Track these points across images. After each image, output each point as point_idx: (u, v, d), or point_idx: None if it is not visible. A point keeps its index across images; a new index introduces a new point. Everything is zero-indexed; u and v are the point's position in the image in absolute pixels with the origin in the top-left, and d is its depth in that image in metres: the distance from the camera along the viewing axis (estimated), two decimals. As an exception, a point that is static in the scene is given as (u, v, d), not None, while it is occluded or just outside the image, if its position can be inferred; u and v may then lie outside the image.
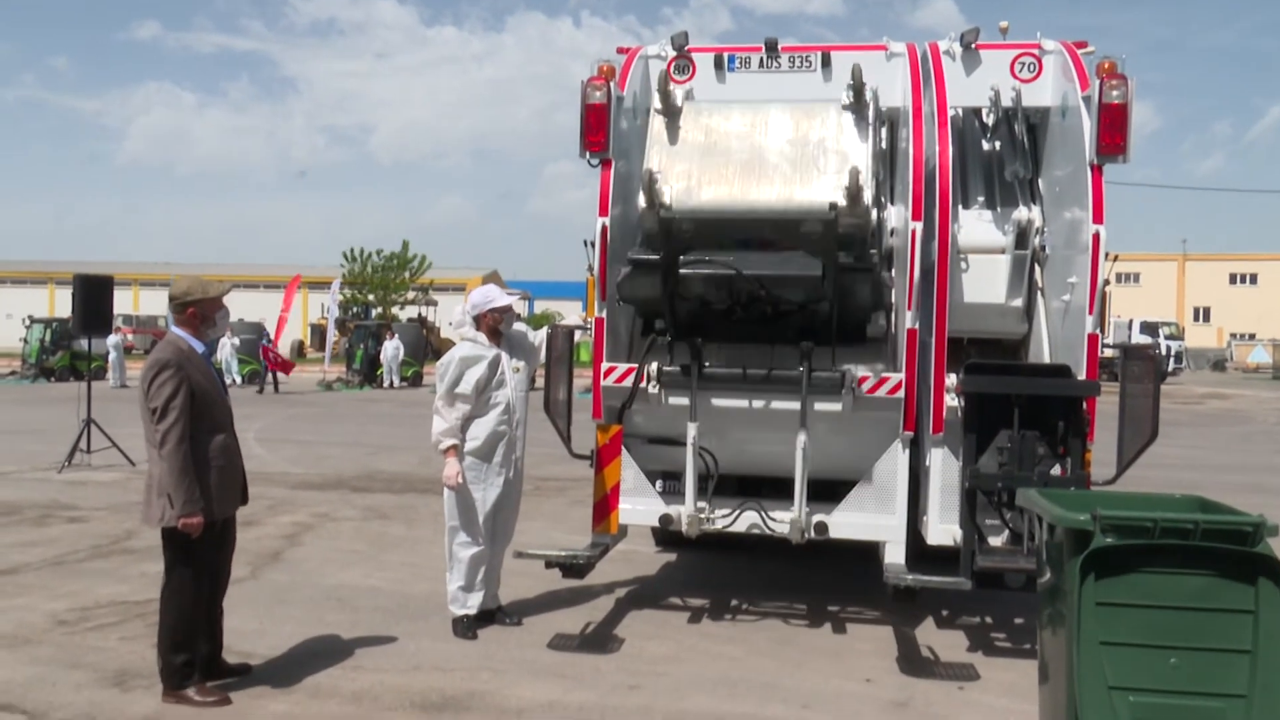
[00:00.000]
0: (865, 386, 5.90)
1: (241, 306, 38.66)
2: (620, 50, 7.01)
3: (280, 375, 27.55)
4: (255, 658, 5.41)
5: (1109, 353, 6.98)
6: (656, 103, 6.41)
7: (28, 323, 31.73)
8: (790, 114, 6.32)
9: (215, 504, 4.84)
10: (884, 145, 6.72)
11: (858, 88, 6.14)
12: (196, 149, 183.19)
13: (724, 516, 6.16)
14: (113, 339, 27.01)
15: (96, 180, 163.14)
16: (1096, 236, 5.75)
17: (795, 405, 5.88)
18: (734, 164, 6.17)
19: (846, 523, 6.05)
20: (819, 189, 5.92)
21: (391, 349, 30.30)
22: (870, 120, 6.20)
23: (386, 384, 29.97)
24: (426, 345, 35.59)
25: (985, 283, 6.64)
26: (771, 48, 6.85)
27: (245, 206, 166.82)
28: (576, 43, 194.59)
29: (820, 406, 5.92)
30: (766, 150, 6.19)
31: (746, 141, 6.23)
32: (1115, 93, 5.79)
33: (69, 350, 29.75)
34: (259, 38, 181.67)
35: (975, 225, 6.80)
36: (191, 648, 4.87)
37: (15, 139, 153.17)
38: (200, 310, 4.96)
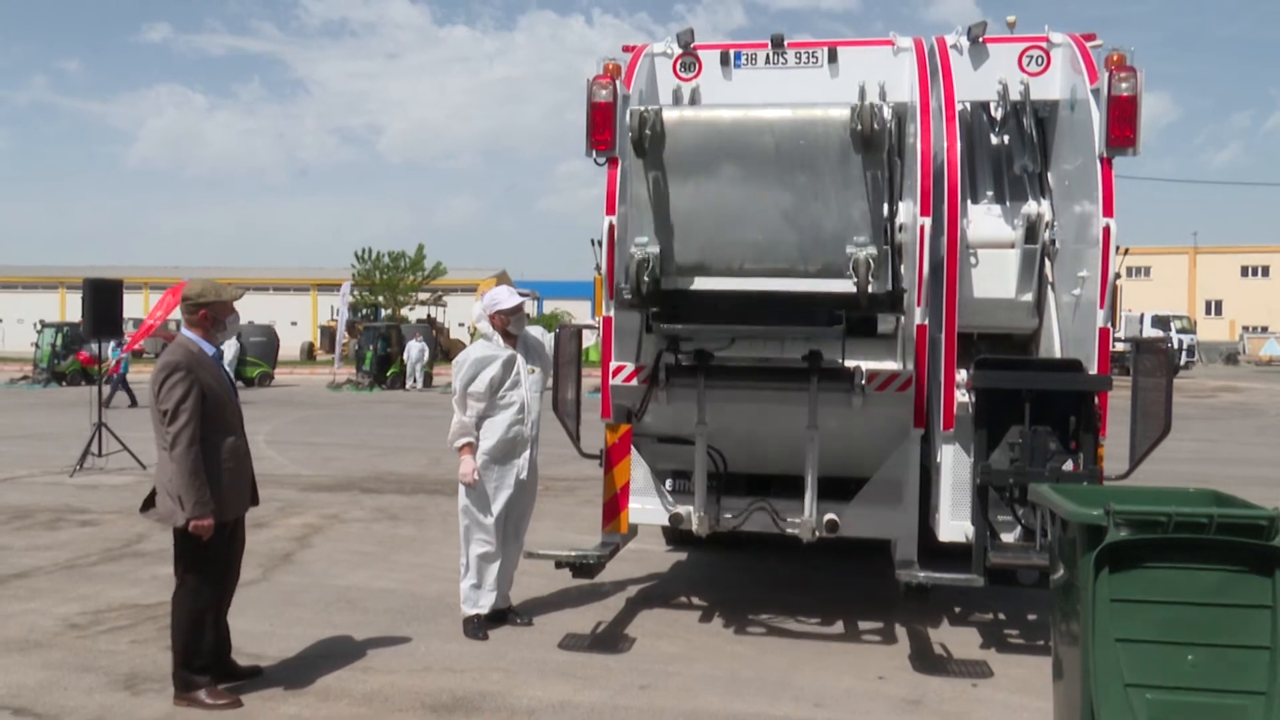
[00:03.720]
0: (875, 383, 5.87)
1: (252, 309, 38.81)
2: (626, 48, 7.00)
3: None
4: (266, 659, 5.41)
5: (1120, 347, 6.92)
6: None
7: (39, 327, 31.87)
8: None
9: (225, 506, 4.84)
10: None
11: (868, 136, 5.32)
12: (207, 151, 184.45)
13: (734, 515, 6.14)
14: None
15: (107, 183, 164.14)
16: (1107, 230, 5.71)
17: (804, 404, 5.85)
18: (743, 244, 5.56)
19: (857, 520, 6.03)
20: (838, 280, 5.42)
21: (416, 350, 30.26)
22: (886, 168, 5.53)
23: (409, 385, 29.91)
24: (436, 346, 35.63)
25: (995, 278, 6.60)
26: (778, 44, 6.82)
27: (255, 208, 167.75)
28: (588, 40, 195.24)
29: (830, 404, 5.89)
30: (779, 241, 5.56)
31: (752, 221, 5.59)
32: (1124, 85, 5.75)
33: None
34: (270, 39, 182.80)
35: (984, 220, 6.76)
36: (203, 650, 4.88)
37: (26, 142, 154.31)
38: (212, 313, 4.97)
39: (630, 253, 5.56)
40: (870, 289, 5.28)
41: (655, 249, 5.52)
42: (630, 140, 5.49)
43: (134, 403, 21.97)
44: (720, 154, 5.50)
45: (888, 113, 5.48)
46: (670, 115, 5.55)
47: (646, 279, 5.44)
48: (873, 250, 5.33)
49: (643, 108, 5.56)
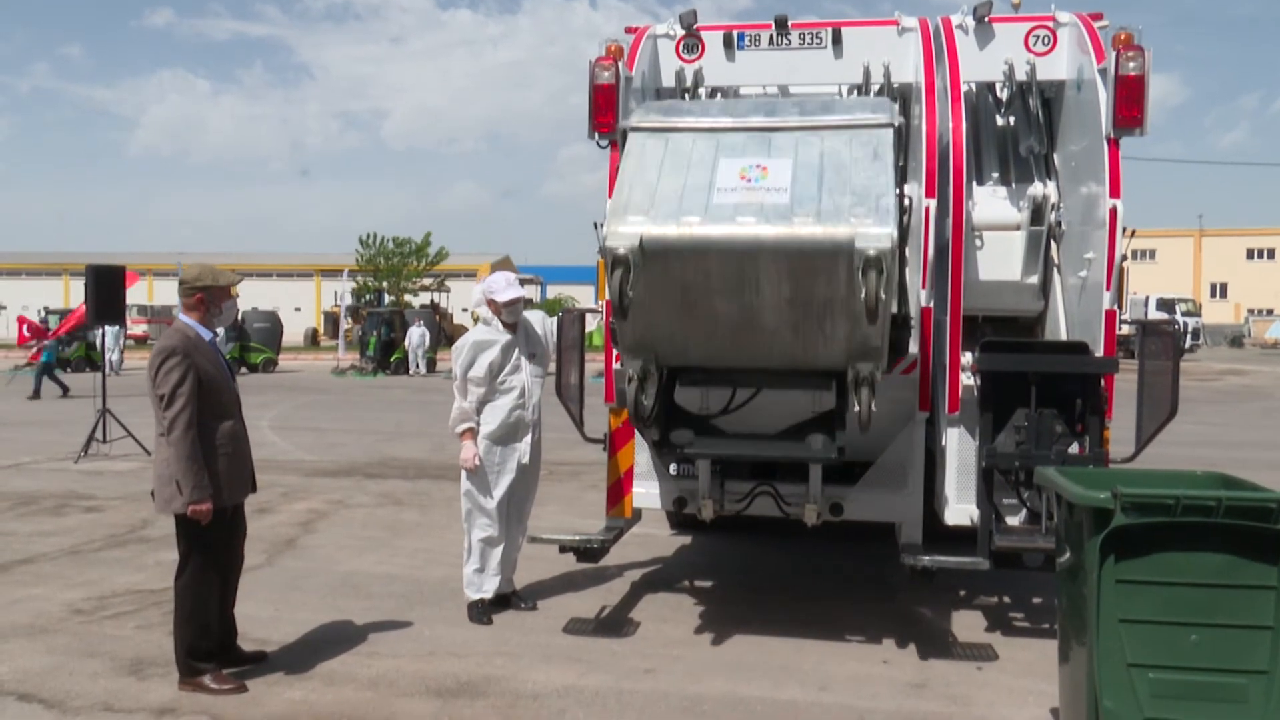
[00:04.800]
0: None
1: (255, 295, 38.81)
2: (629, 30, 6.95)
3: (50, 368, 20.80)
4: (270, 645, 5.42)
5: (1126, 329, 6.88)
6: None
7: (42, 314, 31.90)
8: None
9: (225, 491, 4.84)
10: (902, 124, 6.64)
11: (872, 308, 4.83)
12: (210, 137, 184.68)
13: (738, 499, 6.13)
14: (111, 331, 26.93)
15: (110, 170, 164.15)
16: (1114, 211, 5.66)
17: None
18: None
19: (862, 504, 6.01)
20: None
21: (417, 336, 30.29)
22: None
23: (412, 371, 29.95)
24: (439, 331, 35.62)
25: (1000, 260, 6.57)
26: (781, 25, 6.76)
27: (258, 194, 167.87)
28: (593, 23, 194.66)
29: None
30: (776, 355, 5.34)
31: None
32: (1132, 64, 5.69)
33: (84, 341, 29.88)
34: (274, 23, 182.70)
35: (990, 202, 6.72)
36: (207, 635, 4.88)
37: (29, 129, 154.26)
38: (208, 297, 4.95)
39: (625, 374, 5.32)
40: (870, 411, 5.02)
41: (649, 360, 5.34)
42: (612, 300, 4.95)
43: (65, 392, 20.36)
44: (711, 276, 4.96)
45: (892, 239, 4.76)
46: (652, 237, 4.90)
47: (644, 400, 5.32)
48: (876, 371, 5.04)
49: (621, 248, 4.87)
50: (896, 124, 5.28)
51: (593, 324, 7.14)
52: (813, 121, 5.48)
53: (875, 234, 4.76)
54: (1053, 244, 6.59)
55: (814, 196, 4.98)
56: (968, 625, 5.95)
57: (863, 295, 4.74)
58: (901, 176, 5.59)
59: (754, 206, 4.96)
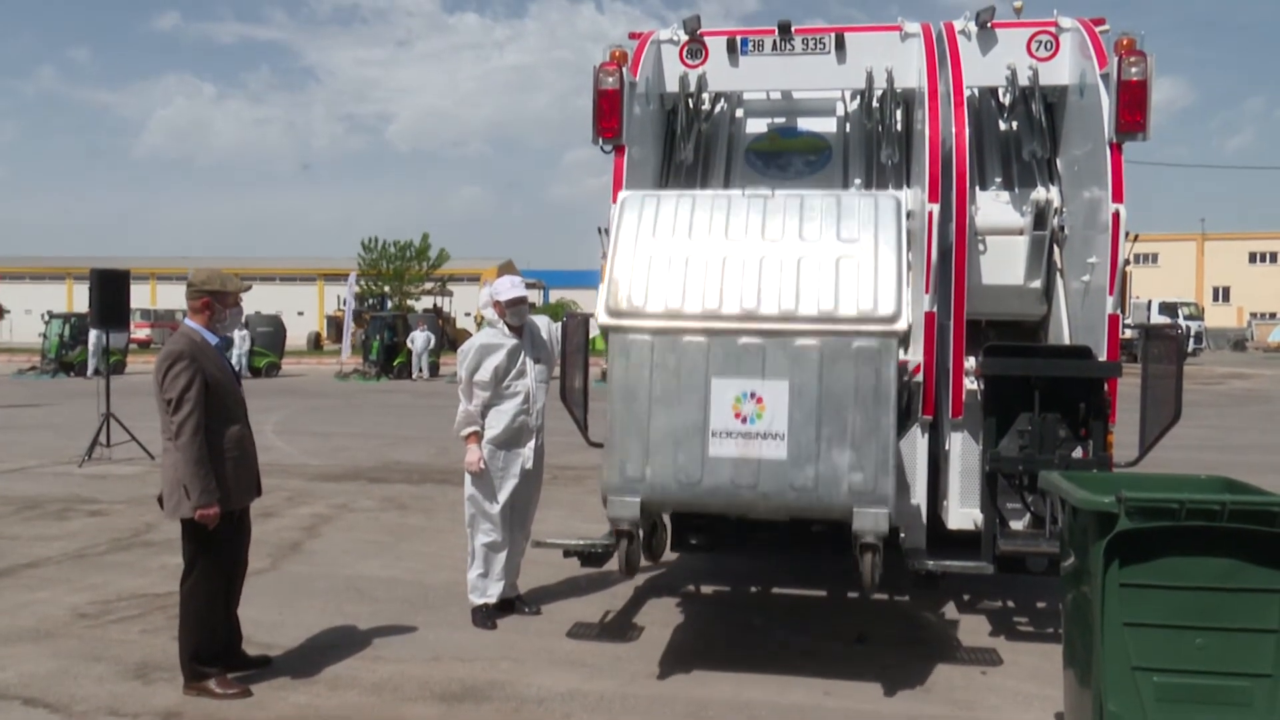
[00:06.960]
0: None
1: (259, 299, 38.83)
2: (633, 35, 6.98)
3: None
4: (275, 649, 5.43)
5: (1129, 334, 6.89)
6: None
7: (46, 318, 31.91)
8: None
9: (232, 495, 4.85)
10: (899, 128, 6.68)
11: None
12: (215, 140, 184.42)
13: None
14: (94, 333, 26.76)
15: (114, 174, 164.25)
16: (1116, 215, 5.68)
17: None
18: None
19: None
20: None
21: (421, 340, 30.32)
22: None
23: (415, 375, 29.96)
24: (442, 335, 35.63)
25: (1003, 264, 6.58)
26: (785, 30, 6.79)
27: (263, 198, 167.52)
28: (600, 27, 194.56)
29: None
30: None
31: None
32: (1134, 69, 5.71)
33: (87, 345, 29.87)
34: (280, 27, 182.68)
35: (993, 206, 6.74)
36: (212, 639, 4.89)
37: (34, 133, 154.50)
38: (213, 302, 4.96)
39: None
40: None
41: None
42: (619, 565, 5.33)
43: None
44: (712, 508, 5.14)
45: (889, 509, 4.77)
46: (651, 499, 4.99)
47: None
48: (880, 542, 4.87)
49: (624, 524, 5.02)
50: (904, 327, 4.88)
51: (596, 329, 7.14)
52: (812, 325, 4.90)
53: (872, 515, 4.72)
54: (1055, 248, 6.60)
55: (812, 452, 4.77)
56: (972, 630, 5.96)
57: (859, 570, 4.86)
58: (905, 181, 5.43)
59: (751, 464, 4.81)
